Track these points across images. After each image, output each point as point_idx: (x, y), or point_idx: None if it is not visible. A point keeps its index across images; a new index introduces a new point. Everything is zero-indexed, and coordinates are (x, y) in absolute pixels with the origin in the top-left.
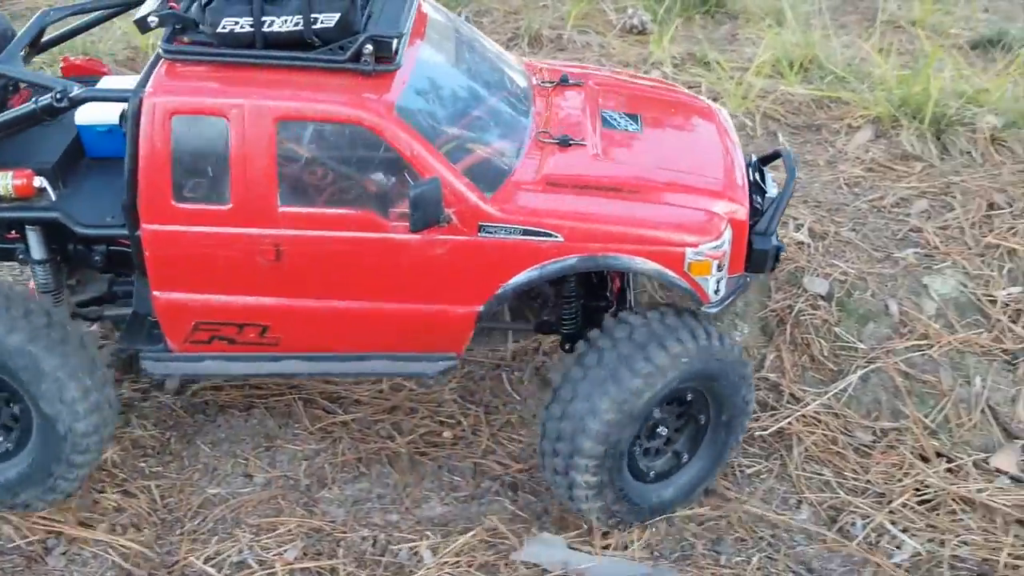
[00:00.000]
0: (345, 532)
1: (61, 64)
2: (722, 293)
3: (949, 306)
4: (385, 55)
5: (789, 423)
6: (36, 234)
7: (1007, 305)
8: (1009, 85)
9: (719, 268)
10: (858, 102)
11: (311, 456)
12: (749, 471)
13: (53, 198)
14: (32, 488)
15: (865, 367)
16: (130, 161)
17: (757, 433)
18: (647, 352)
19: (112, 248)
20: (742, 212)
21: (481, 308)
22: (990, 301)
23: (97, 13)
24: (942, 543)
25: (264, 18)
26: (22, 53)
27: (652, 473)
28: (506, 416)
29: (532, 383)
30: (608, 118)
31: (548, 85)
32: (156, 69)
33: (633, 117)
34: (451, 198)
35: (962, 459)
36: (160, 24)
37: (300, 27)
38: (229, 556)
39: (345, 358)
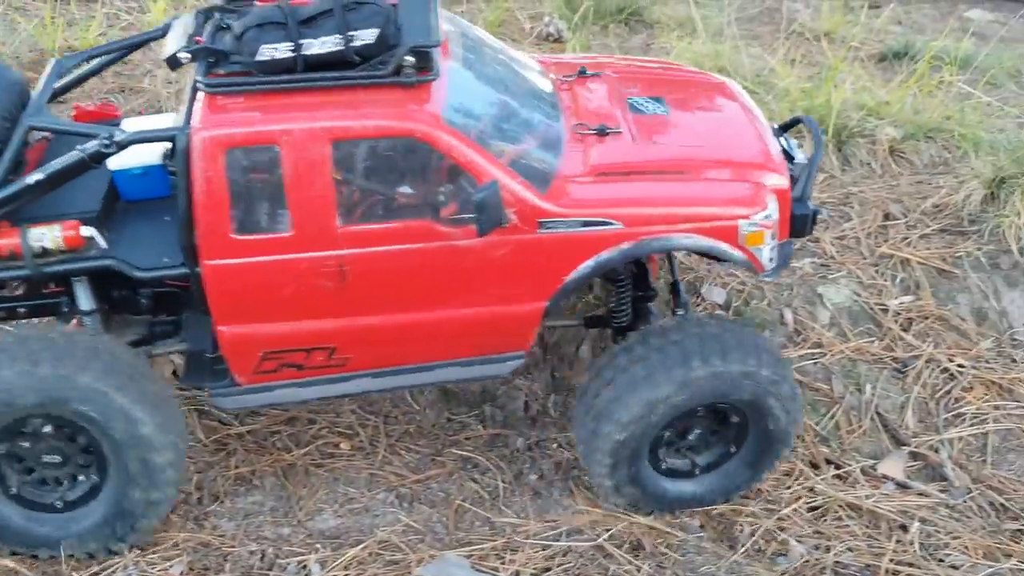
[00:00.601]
0: (233, 546)
1: (73, 112)
2: (776, 261)
3: (843, 315)
4: (424, 65)
5: None
6: (83, 284)
7: (898, 314)
8: (909, 97)
9: (772, 237)
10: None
11: (204, 469)
12: None
13: (104, 246)
14: (109, 533)
15: None
16: (184, 199)
17: None
18: (689, 363)
19: (158, 290)
20: (783, 180)
21: (547, 303)
22: (882, 310)
23: (109, 56)
24: (828, 549)
25: (302, 41)
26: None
27: (665, 467)
28: (405, 426)
29: (432, 392)
30: (635, 104)
31: (569, 79)
32: (197, 104)
33: (658, 100)
34: (509, 198)
35: (850, 466)
36: (192, 60)
37: (340, 47)
38: (114, 572)
39: (415, 370)
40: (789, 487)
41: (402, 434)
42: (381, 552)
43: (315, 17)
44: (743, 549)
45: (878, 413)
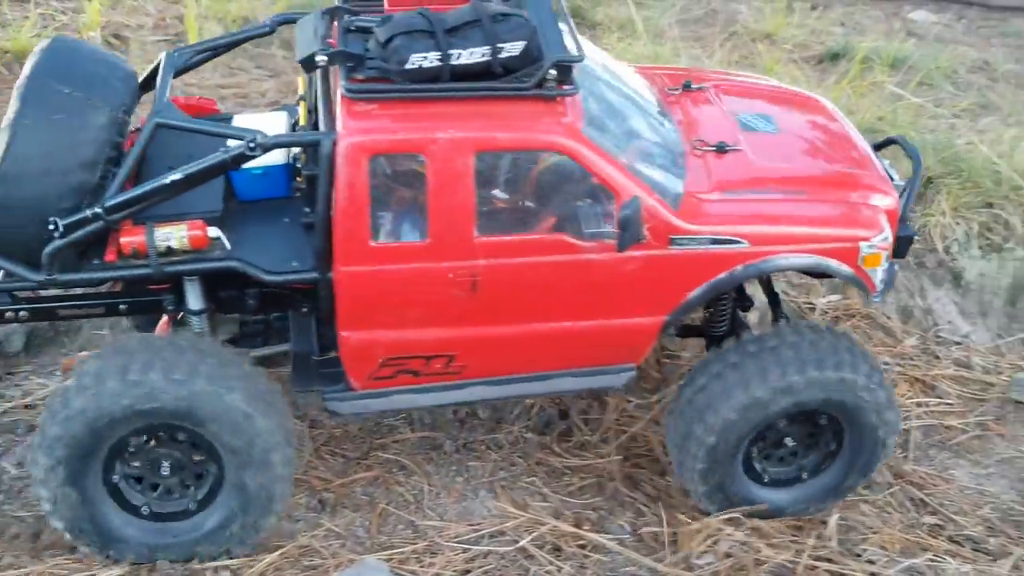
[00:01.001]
0: None
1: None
2: (884, 283)
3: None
4: (564, 80)
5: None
6: (195, 284)
7: (826, 312)
8: (842, 98)
9: (887, 259)
10: None
11: None
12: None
13: (228, 247)
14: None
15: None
16: (324, 205)
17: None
18: (786, 370)
19: (265, 290)
20: (893, 202)
21: (667, 317)
22: (810, 308)
23: (215, 51)
24: (752, 548)
25: (451, 51)
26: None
27: (767, 478)
28: (331, 431)
29: None
30: (745, 121)
31: (674, 92)
32: (337, 109)
33: (766, 118)
34: (645, 215)
35: None
36: (329, 63)
37: (487, 58)
38: None
39: (530, 379)
40: None
41: (328, 438)
42: (300, 557)
43: (460, 27)
44: (669, 553)
45: None
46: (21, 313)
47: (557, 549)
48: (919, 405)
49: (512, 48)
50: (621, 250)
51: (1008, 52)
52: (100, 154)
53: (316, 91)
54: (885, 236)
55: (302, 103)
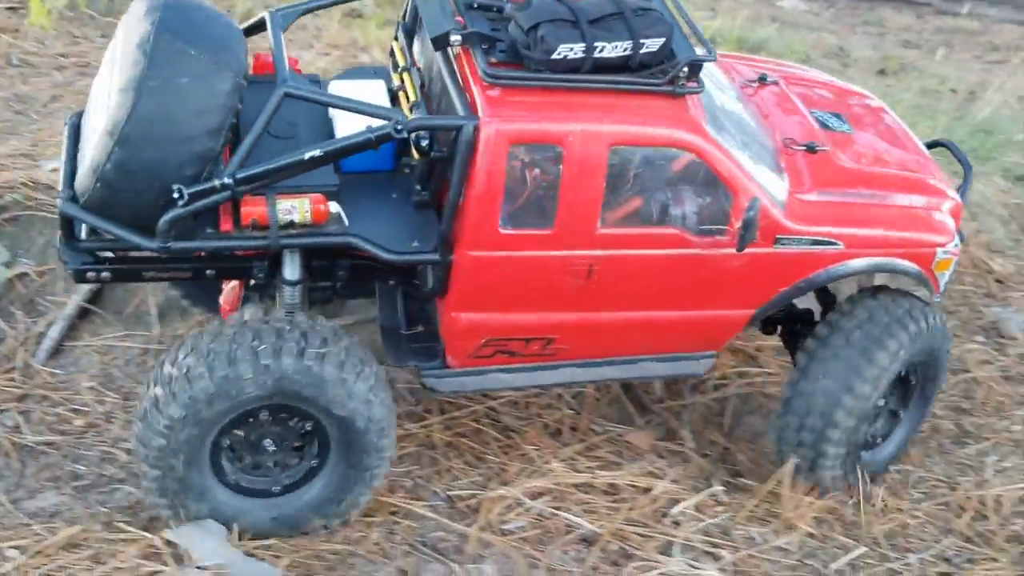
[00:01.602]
0: None
1: (252, 61)
2: (943, 286)
3: None
4: (693, 78)
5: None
6: (296, 255)
7: None
8: None
9: (955, 264)
10: None
11: None
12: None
13: (347, 223)
14: (346, 494)
15: None
16: (458, 188)
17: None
18: (892, 331)
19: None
20: (956, 206)
21: (756, 311)
22: None
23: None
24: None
25: (595, 43)
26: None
27: (876, 438)
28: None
29: None
30: (822, 119)
31: (752, 85)
32: (475, 93)
33: (839, 116)
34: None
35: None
36: (463, 43)
37: (628, 52)
38: None
39: (619, 362)
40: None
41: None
42: (98, 530)
43: (603, 18)
44: (479, 522)
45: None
46: (104, 274)
47: (368, 515)
48: (740, 375)
49: (652, 44)
50: (740, 250)
51: (867, 39)
52: (224, 121)
53: (434, 67)
54: (956, 243)
55: (405, 74)
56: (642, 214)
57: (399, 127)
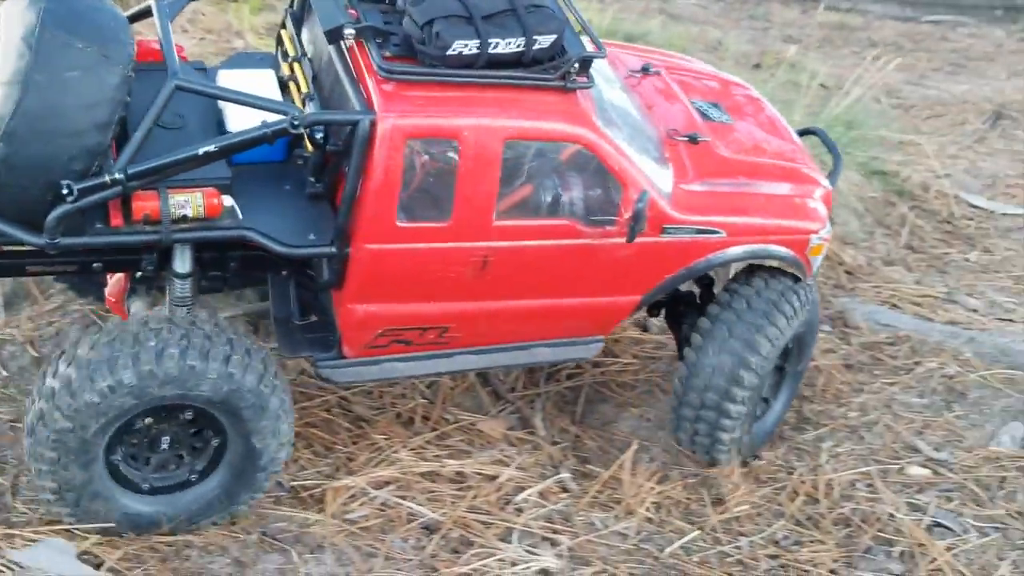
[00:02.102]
0: None
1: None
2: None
3: None
4: (584, 73)
5: None
6: (186, 248)
7: None
8: None
9: (826, 250)
10: None
11: None
12: None
13: (240, 216)
14: (210, 514)
15: None
16: (354, 182)
17: None
18: (780, 306)
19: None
20: (826, 193)
21: (642, 297)
22: None
23: None
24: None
25: (489, 40)
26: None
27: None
28: None
29: (23, 356)
30: (702, 109)
31: (635, 75)
32: (369, 87)
33: (717, 106)
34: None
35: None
36: (356, 37)
37: (522, 48)
38: None
39: (512, 348)
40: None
41: None
42: None
43: (496, 15)
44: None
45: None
46: None
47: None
48: (595, 364)
49: (544, 40)
50: (631, 240)
51: (749, 34)
52: (114, 115)
53: (324, 57)
54: (828, 229)
55: (296, 64)
56: (535, 206)
57: (295, 122)
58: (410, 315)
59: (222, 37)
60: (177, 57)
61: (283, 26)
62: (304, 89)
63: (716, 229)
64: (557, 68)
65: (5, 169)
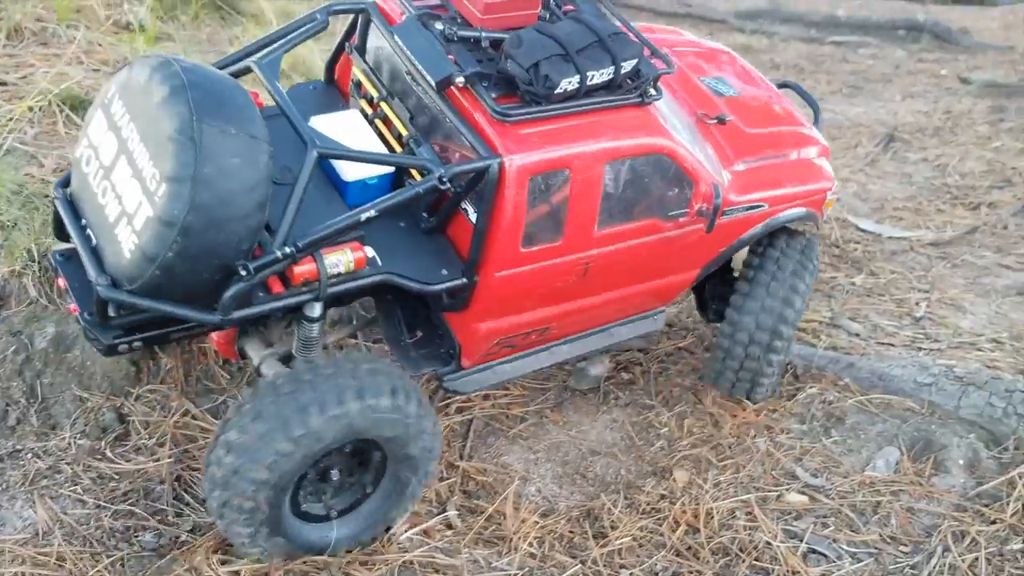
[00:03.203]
0: None
1: None
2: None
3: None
4: (656, 88)
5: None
6: None
7: None
8: None
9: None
10: None
11: None
12: None
13: (380, 263)
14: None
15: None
16: (484, 219)
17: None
18: (808, 257)
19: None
20: (825, 150)
21: (701, 270)
22: None
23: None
24: None
25: (588, 73)
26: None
27: None
28: None
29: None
30: (712, 86)
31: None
32: (486, 130)
33: (722, 80)
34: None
35: None
36: (466, 84)
37: (611, 75)
38: None
39: (596, 332)
40: None
41: None
42: None
43: (587, 47)
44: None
45: None
46: (135, 344)
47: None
48: (485, 398)
49: (628, 65)
50: (710, 230)
51: None
52: (268, 192)
53: (411, 98)
54: (835, 184)
55: (384, 104)
56: (625, 212)
57: (443, 179)
58: (522, 323)
59: (118, 68)
60: (300, 119)
61: (335, 59)
62: (403, 131)
63: (761, 204)
64: (636, 87)
65: (180, 260)
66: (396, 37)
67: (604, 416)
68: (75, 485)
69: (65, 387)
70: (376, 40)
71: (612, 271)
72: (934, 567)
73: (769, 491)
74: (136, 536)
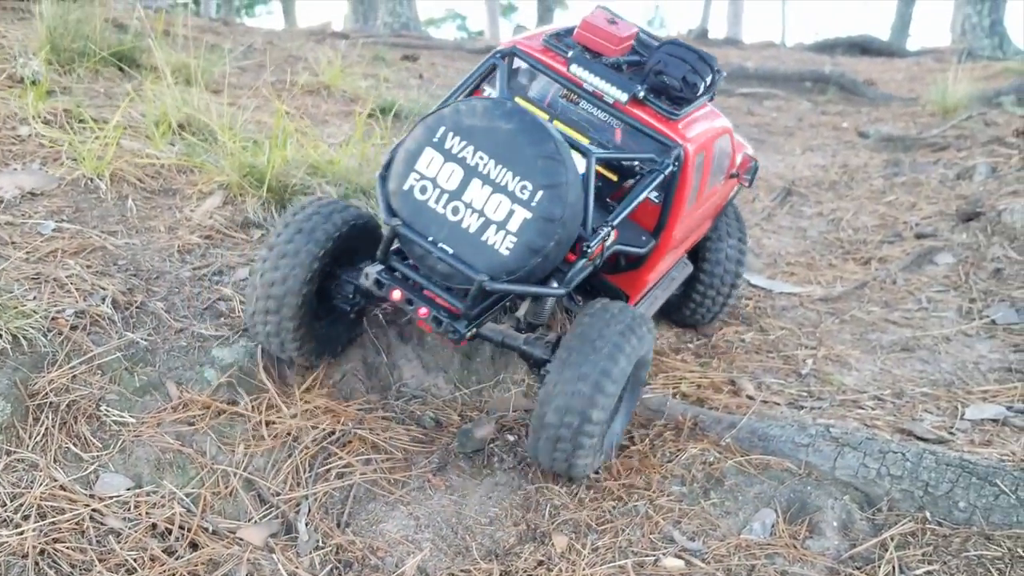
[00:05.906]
0: None
1: None
2: None
3: (234, 376)
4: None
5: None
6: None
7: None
8: (351, 157)
9: None
10: (211, 170)
11: None
12: None
13: (614, 236)
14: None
15: (131, 441)
16: (673, 192)
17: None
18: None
19: None
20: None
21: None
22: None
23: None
24: None
25: (705, 79)
26: None
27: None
28: None
29: None
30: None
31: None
32: (667, 129)
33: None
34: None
35: (204, 536)
36: (646, 96)
37: (711, 80)
38: None
39: (666, 277)
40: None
41: None
42: None
43: (696, 62)
44: None
45: (247, 474)
46: (468, 333)
47: None
48: (367, 463)
49: (714, 72)
50: (751, 185)
51: None
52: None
53: (576, 116)
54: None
55: (557, 123)
56: (712, 176)
57: (668, 164)
58: (662, 269)
59: (7, 124)
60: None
61: (517, 97)
62: (586, 142)
63: (737, 172)
64: (709, 88)
65: (556, 247)
66: (574, 67)
67: (488, 480)
68: None
69: None
70: (525, 74)
71: (699, 216)
72: None
73: (646, 556)
74: None
